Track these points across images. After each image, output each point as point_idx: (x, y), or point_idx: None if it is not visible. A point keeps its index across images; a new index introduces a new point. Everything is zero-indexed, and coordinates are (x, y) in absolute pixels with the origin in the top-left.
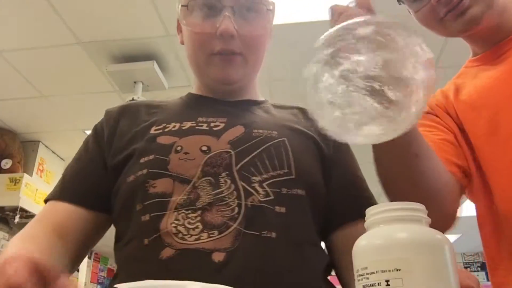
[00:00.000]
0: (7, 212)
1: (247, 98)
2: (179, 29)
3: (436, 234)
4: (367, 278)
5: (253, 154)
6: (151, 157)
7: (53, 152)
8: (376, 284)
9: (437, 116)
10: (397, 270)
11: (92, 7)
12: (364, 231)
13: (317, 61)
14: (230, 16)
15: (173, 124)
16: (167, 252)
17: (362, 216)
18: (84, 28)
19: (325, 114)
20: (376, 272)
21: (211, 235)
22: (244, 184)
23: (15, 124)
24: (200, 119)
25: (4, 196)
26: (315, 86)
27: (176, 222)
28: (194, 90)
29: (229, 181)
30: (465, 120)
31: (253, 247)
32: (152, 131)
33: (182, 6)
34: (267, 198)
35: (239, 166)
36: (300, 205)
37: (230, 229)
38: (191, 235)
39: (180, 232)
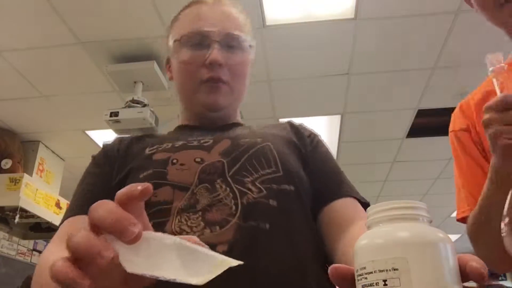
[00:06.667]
0: (7, 212)
1: (230, 122)
2: (168, 68)
3: (436, 232)
4: (366, 278)
5: (242, 159)
6: (150, 171)
7: (53, 152)
8: (374, 284)
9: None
10: (395, 269)
11: (92, 7)
12: (338, 210)
13: None
14: (218, 48)
15: (165, 144)
16: None
17: (336, 197)
18: (84, 28)
19: None
20: (374, 272)
21: (213, 231)
22: (238, 187)
23: (15, 124)
24: (189, 138)
25: (4, 196)
26: None
27: (180, 224)
28: (180, 122)
29: (224, 186)
30: None
31: (252, 238)
32: (147, 151)
33: (175, 41)
34: (261, 194)
35: (231, 172)
36: (289, 199)
37: (231, 223)
38: (195, 232)
39: (184, 230)
